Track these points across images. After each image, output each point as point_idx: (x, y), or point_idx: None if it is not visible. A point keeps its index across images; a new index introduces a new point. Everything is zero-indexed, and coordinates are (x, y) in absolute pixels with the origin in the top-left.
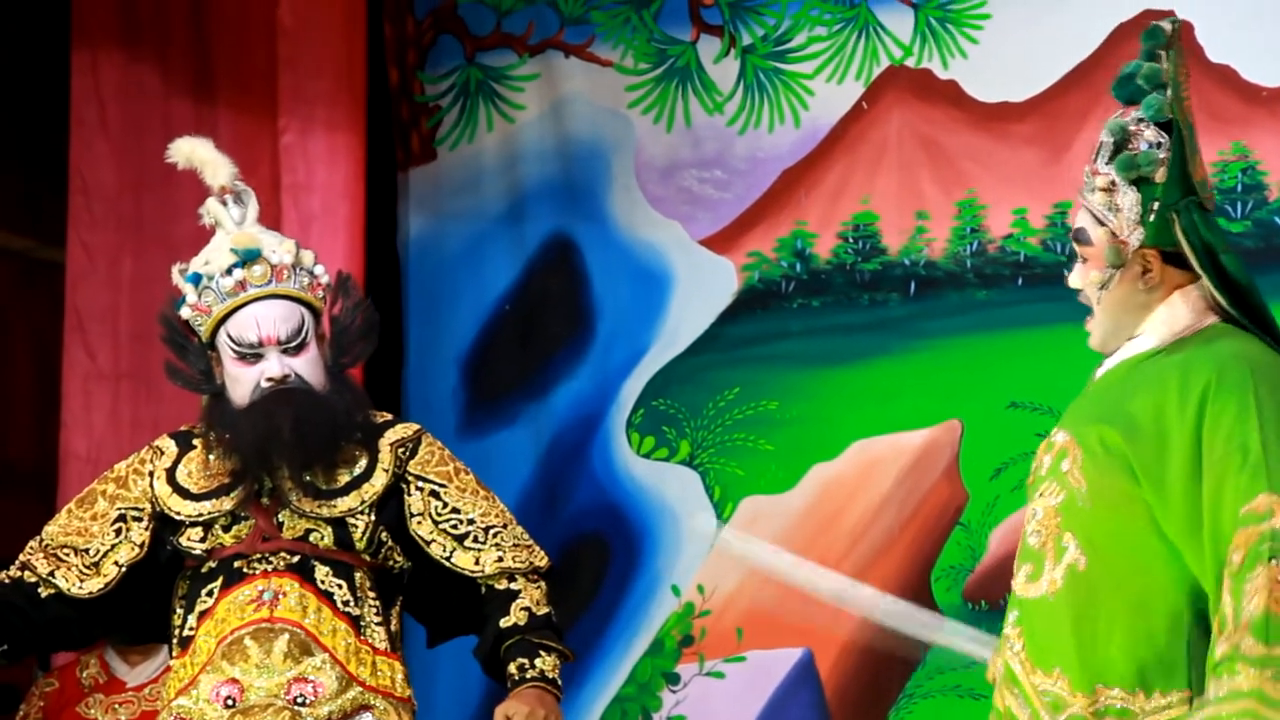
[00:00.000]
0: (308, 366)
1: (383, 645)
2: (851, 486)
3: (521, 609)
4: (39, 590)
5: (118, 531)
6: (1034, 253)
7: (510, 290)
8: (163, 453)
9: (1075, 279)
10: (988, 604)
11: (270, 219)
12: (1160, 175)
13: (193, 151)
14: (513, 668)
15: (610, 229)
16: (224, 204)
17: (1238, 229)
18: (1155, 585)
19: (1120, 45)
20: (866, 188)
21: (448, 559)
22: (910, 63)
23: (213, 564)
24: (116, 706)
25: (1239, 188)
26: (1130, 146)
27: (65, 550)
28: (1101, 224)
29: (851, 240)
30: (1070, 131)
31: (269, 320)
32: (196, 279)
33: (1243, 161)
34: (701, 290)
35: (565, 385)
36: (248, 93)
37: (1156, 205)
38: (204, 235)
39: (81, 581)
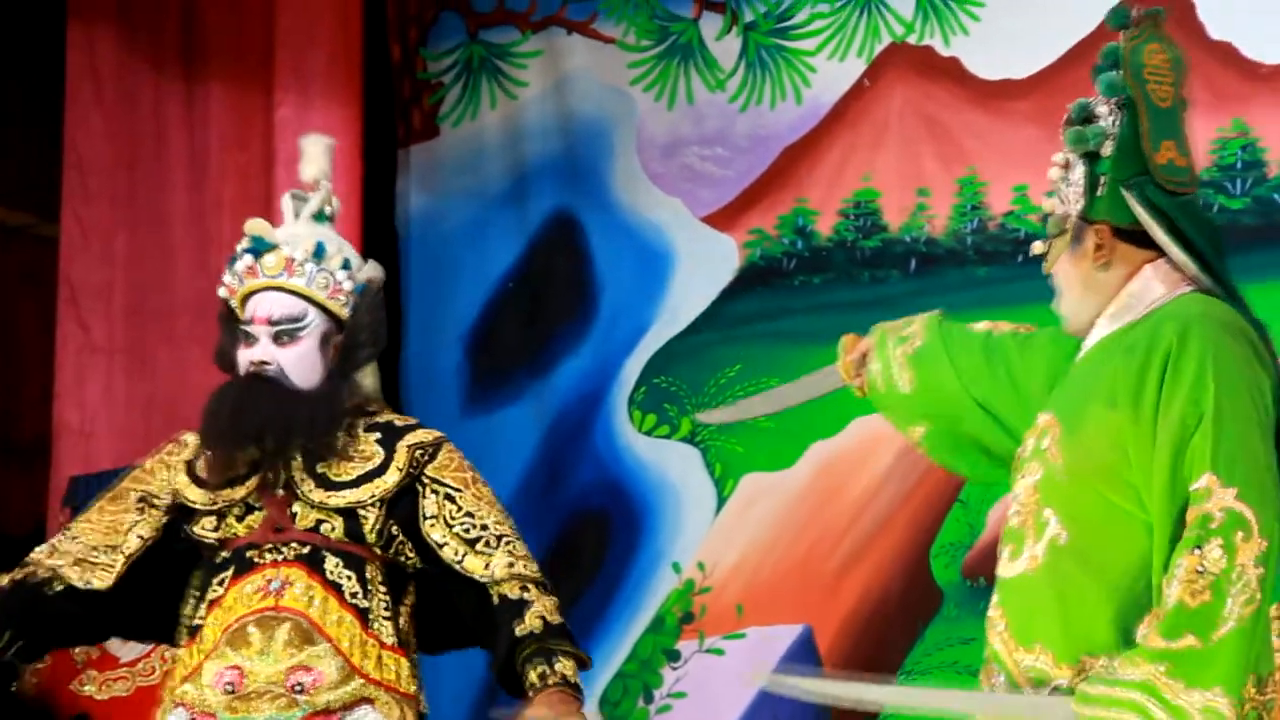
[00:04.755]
0: (296, 361)
1: (390, 640)
2: (851, 463)
3: (537, 617)
4: (49, 587)
5: (140, 510)
6: (1035, 230)
7: (513, 268)
8: (186, 445)
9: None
10: (985, 580)
11: (262, 194)
12: (1108, 149)
13: (308, 145)
14: (533, 675)
15: (612, 206)
16: (294, 198)
17: (1237, 205)
18: (1137, 553)
19: None
20: (868, 165)
21: (459, 562)
22: (912, 40)
23: (226, 554)
24: (111, 682)
25: (1238, 165)
26: (1087, 123)
27: (92, 549)
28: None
29: (853, 217)
30: None
31: (266, 301)
32: (232, 260)
33: (1242, 139)
34: (703, 267)
35: (568, 362)
36: (243, 68)
37: (1105, 179)
38: (196, 211)
39: (93, 578)
